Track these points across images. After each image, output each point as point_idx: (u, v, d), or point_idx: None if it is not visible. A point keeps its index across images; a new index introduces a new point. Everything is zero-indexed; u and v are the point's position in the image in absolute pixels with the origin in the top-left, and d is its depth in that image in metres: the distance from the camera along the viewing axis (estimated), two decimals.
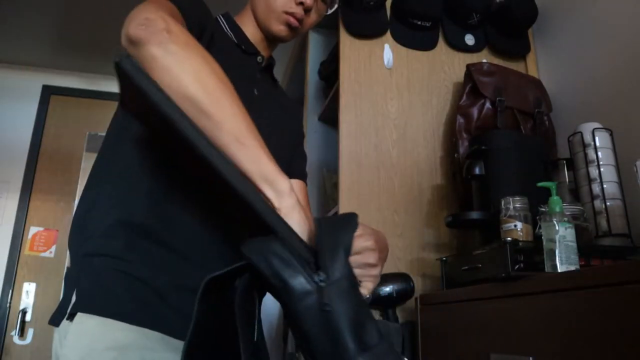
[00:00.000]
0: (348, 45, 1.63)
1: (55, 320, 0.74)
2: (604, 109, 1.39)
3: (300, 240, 0.57)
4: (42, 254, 2.83)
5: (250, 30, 0.99)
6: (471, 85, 1.51)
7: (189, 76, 0.61)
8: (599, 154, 1.15)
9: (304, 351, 0.54)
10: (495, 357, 0.94)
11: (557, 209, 0.94)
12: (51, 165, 2.98)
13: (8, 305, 2.71)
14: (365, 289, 0.66)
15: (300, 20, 0.96)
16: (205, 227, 0.78)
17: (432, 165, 1.58)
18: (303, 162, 1.11)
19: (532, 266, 0.96)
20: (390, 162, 1.56)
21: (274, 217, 0.57)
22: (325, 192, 1.97)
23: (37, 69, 3.10)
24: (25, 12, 2.60)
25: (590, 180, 1.15)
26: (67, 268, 0.80)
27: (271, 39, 1.00)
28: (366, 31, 1.64)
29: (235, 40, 0.96)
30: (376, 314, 1.36)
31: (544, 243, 0.94)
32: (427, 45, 1.69)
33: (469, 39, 1.71)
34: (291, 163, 1.04)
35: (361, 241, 0.64)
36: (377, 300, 1.31)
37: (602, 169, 1.14)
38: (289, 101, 1.12)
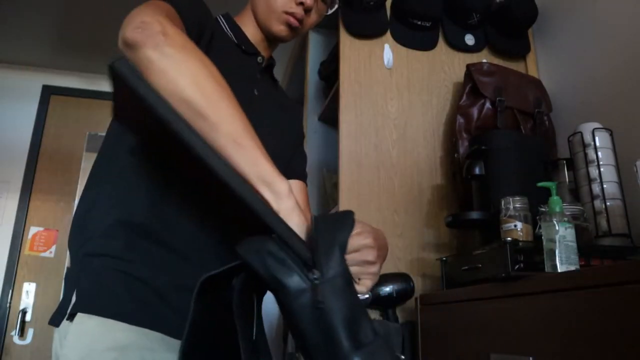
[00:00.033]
0: (348, 45, 1.63)
1: (55, 321, 0.74)
2: (604, 109, 1.39)
3: (300, 239, 0.57)
4: (42, 254, 2.83)
5: (251, 30, 0.99)
6: (471, 85, 1.51)
7: (185, 78, 0.61)
8: (599, 154, 1.15)
9: (300, 349, 0.54)
10: (495, 357, 0.94)
11: (557, 209, 0.94)
12: (51, 165, 2.98)
13: (8, 305, 2.71)
14: (364, 287, 0.66)
15: (300, 20, 0.96)
16: (205, 227, 0.78)
17: (432, 165, 1.58)
18: (303, 162, 1.11)
19: (532, 266, 0.96)
20: (390, 162, 1.56)
21: (273, 217, 0.57)
22: (325, 192, 1.97)
23: (37, 69, 3.10)
24: (25, 12, 2.60)
25: (590, 180, 1.15)
26: (67, 268, 0.80)
27: (271, 39, 1.00)
28: (366, 31, 1.64)
29: (236, 41, 0.96)
30: (376, 314, 1.36)
31: (544, 243, 0.94)
32: (427, 45, 1.69)
33: (469, 39, 1.71)
34: (291, 163, 1.04)
35: (360, 239, 0.64)
36: (377, 300, 1.31)
37: (602, 169, 1.14)
38: (289, 101, 1.12)
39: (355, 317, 0.52)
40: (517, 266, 0.96)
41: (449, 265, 1.29)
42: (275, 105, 1.01)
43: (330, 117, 1.92)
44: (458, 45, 1.70)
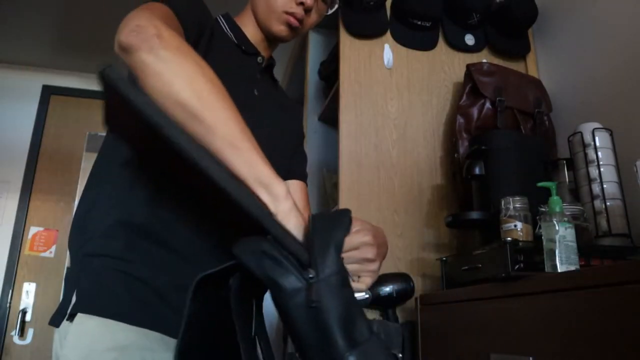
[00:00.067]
0: (348, 45, 1.63)
1: (55, 321, 0.74)
2: (604, 109, 1.39)
3: (295, 240, 0.57)
4: (42, 254, 2.83)
5: (251, 30, 0.99)
6: (471, 85, 1.51)
7: (180, 81, 0.61)
8: (599, 154, 1.15)
9: (297, 349, 0.54)
10: (495, 357, 0.94)
11: (557, 209, 0.94)
12: (51, 165, 2.98)
13: (8, 305, 2.71)
14: (364, 284, 0.66)
15: (300, 20, 0.96)
16: (205, 227, 0.78)
17: (432, 165, 1.58)
18: (303, 162, 1.11)
19: (532, 266, 0.96)
20: (390, 162, 1.56)
21: (268, 219, 0.57)
22: (325, 192, 1.97)
23: (37, 69, 3.10)
24: (25, 12, 2.60)
25: (590, 180, 1.15)
26: (68, 268, 0.81)
27: (271, 39, 1.00)
28: (366, 31, 1.64)
29: (235, 41, 0.96)
30: (376, 314, 1.36)
31: (544, 243, 0.94)
32: (427, 45, 1.69)
33: (469, 39, 1.71)
34: (291, 163, 1.04)
35: (359, 236, 0.64)
36: (377, 300, 1.31)
37: (602, 169, 1.14)
38: (289, 101, 1.12)
39: (350, 316, 0.52)
40: (517, 266, 0.96)
41: (449, 265, 1.29)
42: (275, 106, 1.01)
43: (330, 117, 1.92)
44: (458, 45, 1.70)
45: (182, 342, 0.57)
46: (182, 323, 0.57)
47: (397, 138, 1.58)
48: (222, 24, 0.97)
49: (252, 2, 0.99)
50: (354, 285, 0.64)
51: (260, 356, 0.65)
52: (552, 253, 0.91)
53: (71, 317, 0.71)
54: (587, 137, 1.18)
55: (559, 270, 0.89)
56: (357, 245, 0.64)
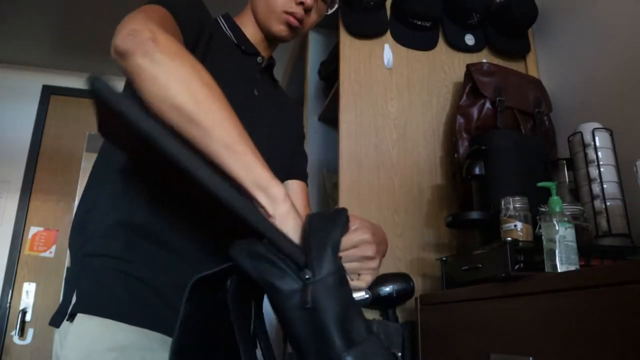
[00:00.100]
0: (348, 45, 1.63)
1: (55, 322, 0.74)
2: (604, 109, 1.39)
3: (292, 243, 0.57)
4: (42, 254, 2.83)
5: (250, 30, 0.99)
6: (471, 85, 1.51)
7: (176, 85, 0.60)
8: (599, 154, 1.15)
9: (294, 349, 0.54)
10: (495, 357, 0.94)
11: (557, 209, 0.94)
12: (51, 165, 2.98)
13: (8, 305, 2.71)
14: (364, 282, 0.66)
15: (300, 20, 0.96)
16: (205, 227, 0.78)
17: (432, 165, 1.58)
18: (304, 162, 1.11)
19: (532, 266, 0.96)
20: (390, 162, 1.56)
21: (264, 223, 0.57)
22: (325, 192, 1.97)
23: (37, 69, 3.10)
24: (25, 12, 2.60)
25: (590, 180, 1.15)
26: (68, 269, 0.81)
27: (271, 39, 1.00)
28: (366, 31, 1.64)
29: (235, 41, 0.96)
30: (376, 314, 1.36)
31: (544, 243, 0.94)
32: (427, 45, 1.69)
33: (469, 39, 1.71)
34: (292, 163, 1.04)
35: (358, 234, 0.64)
36: (377, 300, 1.31)
37: (602, 169, 1.14)
38: (289, 101, 1.12)
39: (347, 316, 0.52)
40: (517, 266, 0.96)
41: (449, 265, 1.29)
42: (275, 105, 1.01)
43: (330, 117, 1.92)
44: (458, 45, 1.70)
45: (177, 343, 0.57)
46: (177, 324, 0.57)
47: (397, 138, 1.58)
48: (221, 24, 0.97)
49: (252, 2, 0.99)
50: (354, 283, 0.64)
51: (261, 357, 0.65)
52: (552, 253, 0.90)
53: (71, 318, 0.71)
54: (587, 137, 1.18)
55: (559, 270, 0.89)
56: (356, 243, 0.64)
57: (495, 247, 1.05)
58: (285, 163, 1.01)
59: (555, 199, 0.96)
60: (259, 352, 0.67)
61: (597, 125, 1.19)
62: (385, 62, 1.63)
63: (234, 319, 0.59)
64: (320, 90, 2.09)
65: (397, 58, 1.65)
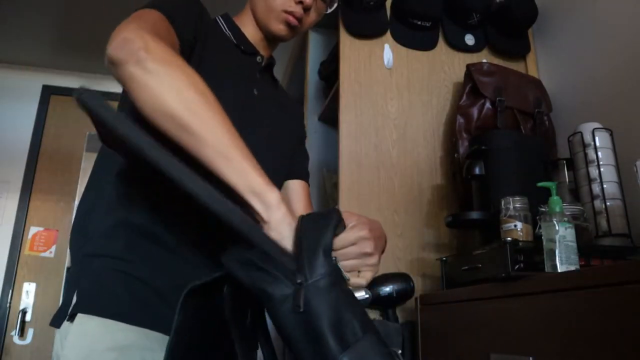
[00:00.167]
0: (348, 45, 1.63)
1: (56, 322, 0.75)
2: (604, 109, 1.39)
3: (284, 252, 0.56)
4: (42, 254, 2.83)
5: (250, 30, 0.99)
6: (471, 85, 1.51)
7: (169, 93, 0.60)
8: (599, 154, 1.15)
9: (292, 354, 0.54)
10: (495, 357, 0.94)
11: (557, 209, 0.94)
12: (51, 165, 2.98)
13: (8, 305, 2.71)
14: (364, 279, 0.65)
15: (299, 19, 0.96)
16: (205, 227, 0.78)
17: (432, 165, 1.58)
18: (305, 161, 1.11)
19: (532, 266, 0.96)
20: (390, 162, 1.56)
21: (257, 233, 0.56)
22: (325, 192, 1.97)
23: (37, 69, 3.10)
24: (25, 12, 2.60)
25: (590, 180, 1.15)
26: (68, 269, 0.81)
27: (271, 39, 1.00)
28: (366, 31, 1.64)
29: (235, 41, 0.96)
30: (376, 314, 1.36)
31: (544, 243, 0.94)
32: (427, 45, 1.69)
33: (469, 39, 1.71)
34: (293, 163, 1.04)
35: (355, 231, 0.64)
36: (377, 300, 1.31)
37: (602, 169, 1.14)
38: (289, 101, 1.12)
39: (341, 317, 0.51)
40: (517, 266, 0.96)
41: (449, 265, 1.29)
42: (275, 105, 1.01)
43: (330, 117, 1.92)
44: (458, 45, 1.70)
45: (171, 352, 0.57)
46: (171, 333, 0.57)
47: (397, 138, 1.58)
48: (221, 24, 0.97)
49: (251, 2, 0.99)
50: (354, 280, 0.64)
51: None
52: (552, 253, 0.90)
53: (72, 318, 0.72)
54: (587, 137, 1.18)
55: (559, 270, 0.89)
56: (354, 240, 0.64)
57: (495, 247, 1.05)
58: (285, 163, 1.01)
59: (555, 199, 0.96)
60: (259, 353, 0.67)
61: (597, 125, 1.19)
62: (385, 62, 1.63)
63: (231, 325, 0.59)
64: (320, 90, 2.09)
65: (397, 58, 1.65)
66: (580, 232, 0.99)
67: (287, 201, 1.01)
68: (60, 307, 0.76)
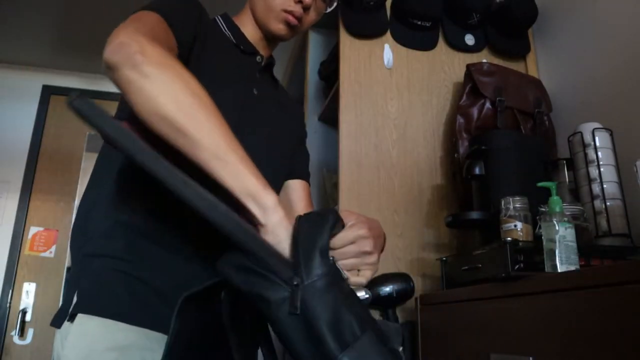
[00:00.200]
0: (348, 45, 1.63)
1: (57, 322, 0.75)
2: (604, 109, 1.39)
3: (280, 258, 0.56)
4: (42, 254, 2.83)
5: (249, 30, 0.99)
6: (471, 85, 1.51)
7: (164, 96, 0.60)
8: (599, 154, 1.15)
9: (292, 357, 0.54)
10: (495, 357, 0.94)
11: (557, 209, 0.94)
12: (51, 165, 2.98)
13: (8, 305, 2.71)
14: (364, 277, 0.65)
15: (299, 19, 0.96)
16: (205, 227, 0.77)
17: (432, 165, 1.58)
18: (305, 161, 1.11)
19: (532, 266, 0.96)
20: (390, 162, 1.56)
21: (252, 242, 0.56)
22: (325, 192, 1.97)
23: (37, 69, 3.10)
24: (25, 12, 2.60)
25: (590, 180, 1.15)
26: (69, 269, 0.81)
27: (270, 38, 1.00)
28: (366, 31, 1.64)
29: (234, 41, 0.96)
30: (376, 314, 1.36)
31: (544, 243, 0.94)
32: (427, 45, 1.69)
33: (469, 39, 1.71)
34: (293, 163, 1.04)
35: (354, 230, 0.64)
36: (377, 300, 1.31)
37: (602, 169, 1.14)
38: (289, 101, 1.12)
39: (339, 317, 0.51)
40: (517, 266, 0.96)
41: (449, 265, 1.29)
42: (275, 105, 1.00)
43: (330, 117, 1.92)
44: (458, 45, 1.70)
45: (168, 358, 0.57)
46: (167, 341, 0.57)
47: (397, 138, 1.58)
48: (220, 24, 0.97)
49: (251, 2, 0.99)
50: (354, 279, 0.64)
51: None
52: (552, 253, 0.90)
53: (72, 318, 0.72)
54: (587, 137, 1.18)
55: (559, 270, 0.89)
56: (352, 239, 0.64)
57: (495, 247, 1.05)
58: (285, 163, 1.01)
59: (555, 199, 0.96)
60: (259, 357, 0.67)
61: (597, 125, 1.19)
62: (385, 62, 1.63)
63: (229, 331, 0.59)
64: (320, 90, 2.09)
65: (397, 58, 1.65)
66: (580, 232, 0.99)
67: (287, 202, 1.01)
68: (60, 307, 0.76)
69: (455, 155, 1.48)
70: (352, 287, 0.59)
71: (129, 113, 0.63)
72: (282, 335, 0.53)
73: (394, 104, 1.61)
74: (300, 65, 2.28)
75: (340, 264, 0.61)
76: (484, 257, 1.11)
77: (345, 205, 1.48)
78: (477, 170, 1.30)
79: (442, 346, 1.17)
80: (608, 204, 1.12)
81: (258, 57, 0.98)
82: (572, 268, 0.89)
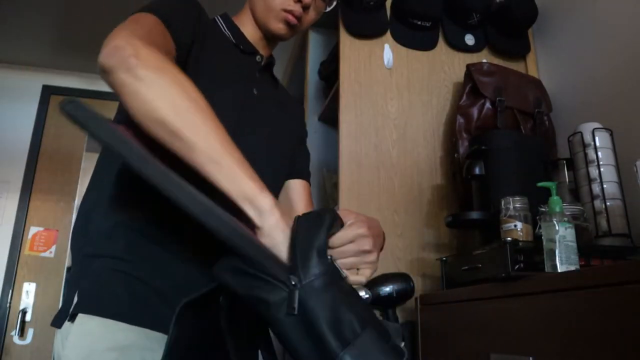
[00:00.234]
0: (348, 45, 1.63)
1: (57, 322, 0.75)
2: (604, 109, 1.39)
3: (277, 262, 0.56)
4: (42, 254, 2.83)
5: (249, 29, 0.99)
6: (471, 85, 1.51)
7: (159, 99, 0.60)
8: (599, 154, 1.15)
9: (292, 358, 0.53)
10: (495, 357, 0.94)
11: (557, 209, 0.94)
12: (51, 165, 2.98)
13: (8, 305, 2.70)
14: (364, 276, 0.65)
15: (298, 18, 0.95)
16: (202, 232, 0.77)
17: (432, 165, 1.58)
18: (306, 161, 1.10)
19: (532, 266, 0.96)
20: (390, 162, 1.56)
21: (246, 244, 0.56)
22: (325, 192, 1.97)
23: (37, 69, 3.10)
24: (25, 12, 2.60)
25: (590, 180, 1.15)
26: (69, 269, 0.81)
27: (270, 38, 1.00)
28: (366, 31, 1.64)
29: (234, 41, 0.96)
30: (376, 314, 1.36)
31: (544, 243, 0.94)
32: (427, 45, 1.69)
33: (469, 39, 1.71)
34: (293, 162, 1.04)
35: (353, 229, 0.64)
36: (377, 300, 1.31)
37: (602, 169, 1.14)
38: (289, 100, 1.12)
39: (338, 316, 0.51)
40: (517, 266, 0.96)
41: (449, 265, 1.29)
42: (275, 105, 1.00)
43: (330, 117, 1.92)
44: (458, 45, 1.70)
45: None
46: (165, 344, 0.57)
47: (397, 138, 1.58)
48: (220, 24, 0.97)
49: (250, 1, 0.99)
50: (354, 278, 0.64)
51: None
52: (552, 253, 0.90)
53: (72, 318, 0.72)
54: (587, 137, 1.18)
55: (559, 270, 0.89)
56: (352, 237, 0.64)
57: (495, 247, 1.05)
58: (285, 163, 1.01)
59: (555, 199, 0.96)
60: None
61: (597, 125, 1.19)
62: (385, 62, 1.63)
63: (227, 335, 0.59)
64: (320, 90, 2.09)
65: (397, 58, 1.65)
66: (580, 232, 0.99)
67: (288, 202, 1.01)
68: (61, 308, 0.76)
69: (455, 155, 1.48)
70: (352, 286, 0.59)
71: (127, 116, 0.63)
72: (283, 336, 0.53)
73: (394, 104, 1.61)
74: (300, 65, 2.28)
75: (340, 262, 0.61)
76: (484, 257, 1.12)
77: (346, 205, 1.48)
78: (477, 170, 1.30)
79: (442, 346, 1.17)
80: (608, 204, 1.12)
81: (258, 57, 0.98)
82: (572, 268, 0.89)
